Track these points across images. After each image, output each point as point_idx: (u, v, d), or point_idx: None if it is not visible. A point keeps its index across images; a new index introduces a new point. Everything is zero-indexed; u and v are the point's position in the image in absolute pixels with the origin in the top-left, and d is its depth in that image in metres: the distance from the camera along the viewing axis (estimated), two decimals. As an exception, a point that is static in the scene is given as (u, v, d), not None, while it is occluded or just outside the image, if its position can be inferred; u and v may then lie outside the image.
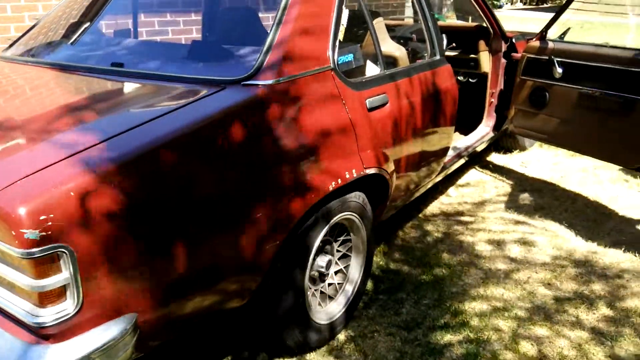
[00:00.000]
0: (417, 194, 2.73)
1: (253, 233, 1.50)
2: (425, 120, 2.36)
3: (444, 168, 2.94)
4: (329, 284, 2.09)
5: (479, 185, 3.55)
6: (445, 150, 2.68)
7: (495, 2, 16.00)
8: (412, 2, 2.53)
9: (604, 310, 2.24)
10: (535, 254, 2.67)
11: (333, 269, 2.09)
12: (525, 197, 3.32)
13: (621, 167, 3.51)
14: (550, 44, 3.17)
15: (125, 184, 1.24)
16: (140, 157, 1.27)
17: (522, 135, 3.47)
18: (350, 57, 2.03)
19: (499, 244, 2.78)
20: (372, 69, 2.14)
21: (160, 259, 1.33)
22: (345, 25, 1.96)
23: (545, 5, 17.09)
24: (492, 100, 3.56)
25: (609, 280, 2.44)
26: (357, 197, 1.99)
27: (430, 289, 2.40)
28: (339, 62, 1.98)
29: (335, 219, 1.88)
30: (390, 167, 2.15)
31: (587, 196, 3.32)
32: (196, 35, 3.86)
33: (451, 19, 6.81)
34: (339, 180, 1.79)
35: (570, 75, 3.04)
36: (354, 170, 1.87)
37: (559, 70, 3.06)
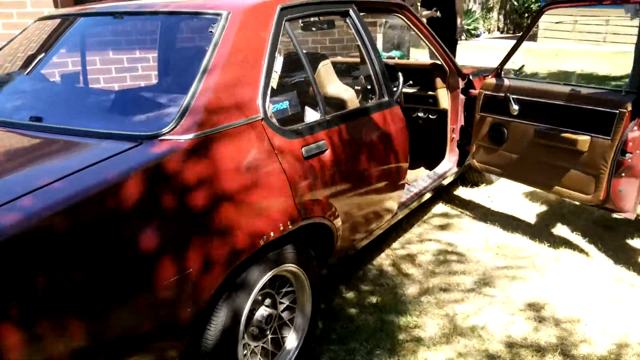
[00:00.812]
0: (372, 237, 2.67)
1: (166, 300, 1.42)
2: (371, 164, 2.32)
3: (402, 206, 2.89)
4: (273, 339, 2.00)
5: (443, 221, 3.50)
6: (398, 191, 2.63)
7: (472, 32, 16.30)
8: (358, 44, 2.52)
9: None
10: (494, 297, 2.60)
11: (276, 322, 2.01)
12: (489, 233, 3.27)
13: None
14: (506, 81, 3.17)
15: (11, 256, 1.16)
16: (32, 225, 1.20)
17: (484, 170, 3.44)
18: (285, 104, 2.00)
19: (458, 285, 2.71)
20: (311, 115, 2.10)
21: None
22: (278, 73, 1.93)
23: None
24: (454, 135, 3.55)
25: (562, 327, 2.37)
26: (296, 248, 1.92)
27: (384, 338, 2.32)
28: (273, 111, 1.95)
29: (270, 273, 1.81)
30: (334, 214, 2.09)
31: (552, 231, 3.28)
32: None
33: None
34: (272, 234, 1.73)
35: (525, 112, 3.04)
36: (289, 222, 1.81)
37: (515, 107, 3.05)
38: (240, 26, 1.83)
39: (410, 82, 3.49)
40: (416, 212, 3.50)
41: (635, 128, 2.58)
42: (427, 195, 3.29)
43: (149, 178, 1.40)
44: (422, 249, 3.12)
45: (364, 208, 2.34)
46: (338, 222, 2.13)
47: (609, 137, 2.62)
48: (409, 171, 3.78)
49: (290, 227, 1.81)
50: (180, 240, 1.44)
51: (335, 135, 2.11)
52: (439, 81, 3.40)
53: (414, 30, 3.07)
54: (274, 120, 1.96)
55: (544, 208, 3.60)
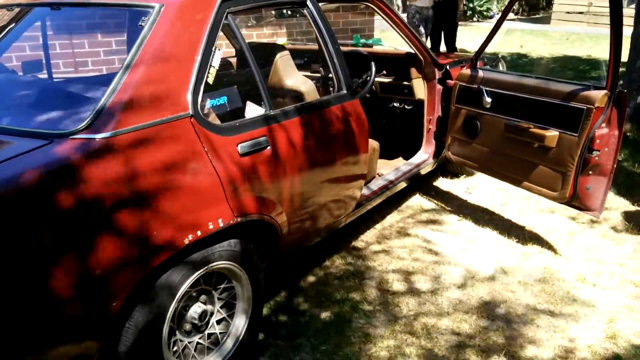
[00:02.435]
0: (332, 230, 2.64)
1: (69, 301, 1.42)
2: (321, 159, 2.28)
3: (366, 200, 2.85)
4: (210, 334, 2.00)
5: (416, 213, 3.45)
6: (355, 187, 2.59)
7: (484, 13, 15.93)
8: (315, 35, 2.46)
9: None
10: (452, 295, 2.57)
11: (215, 317, 2.00)
12: (460, 227, 3.22)
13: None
14: (480, 73, 3.09)
15: None
16: None
17: (459, 163, 3.38)
18: (222, 100, 1.96)
19: (417, 281, 2.68)
20: (254, 111, 2.06)
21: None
22: (216, 67, 1.89)
23: (537, 16, 16.99)
24: (430, 127, 3.48)
25: (513, 327, 2.33)
26: (231, 245, 1.91)
27: (332, 333, 2.31)
28: (209, 107, 1.91)
29: (200, 271, 1.80)
30: (277, 211, 2.06)
31: (524, 226, 3.22)
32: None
33: None
34: (198, 233, 1.71)
35: (498, 105, 2.96)
36: (220, 220, 1.79)
37: (488, 99, 2.98)
38: (172, 20, 1.78)
39: (384, 72, 3.41)
40: (390, 203, 3.46)
41: (603, 125, 2.49)
42: (401, 186, 3.24)
43: (50, 177, 1.39)
44: (389, 242, 3.09)
45: (314, 204, 2.31)
46: (282, 218, 2.10)
47: (576, 134, 2.54)
48: (385, 161, 3.77)
49: (221, 225, 1.79)
50: (83, 241, 1.43)
51: (279, 130, 2.07)
52: (414, 71, 3.32)
53: (385, 20, 2.98)
54: (210, 116, 1.93)
55: (521, 202, 3.53)
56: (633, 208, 3.40)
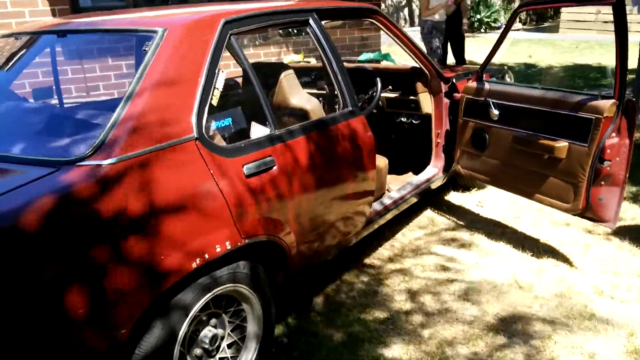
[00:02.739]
0: (342, 249, 2.61)
1: (81, 328, 1.41)
2: (329, 177, 2.27)
3: (377, 216, 2.83)
4: (222, 359, 1.98)
5: (428, 228, 3.41)
6: (363, 204, 2.57)
7: (492, 24, 15.94)
8: (319, 53, 2.46)
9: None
10: (467, 312, 2.52)
11: (226, 341, 1.98)
12: (473, 242, 3.18)
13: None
14: (487, 85, 3.07)
15: None
16: None
17: (468, 177, 3.35)
18: (227, 121, 1.97)
19: (432, 299, 2.63)
20: (259, 131, 2.06)
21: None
22: (220, 89, 1.90)
23: (544, 25, 16.95)
24: (439, 140, 3.46)
25: (530, 344, 2.28)
26: (240, 267, 1.89)
27: (345, 354, 2.27)
28: (214, 129, 1.92)
29: (209, 294, 1.79)
30: (285, 231, 2.05)
31: (538, 239, 3.17)
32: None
33: None
34: (206, 256, 1.70)
35: (505, 117, 2.94)
36: (227, 243, 1.78)
37: (495, 112, 2.96)
38: (176, 44, 1.80)
39: (390, 87, 3.41)
40: (401, 219, 3.43)
41: (614, 135, 2.46)
42: (411, 202, 3.22)
43: (57, 205, 1.39)
44: (401, 259, 3.05)
45: (322, 223, 2.29)
46: (290, 239, 2.08)
47: (586, 144, 2.50)
48: (395, 177, 3.75)
49: (229, 247, 1.78)
50: (91, 269, 1.43)
51: (285, 150, 2.06)
52: (420, 85, 3.31)
53: (389, 35, 2.99)
54: (216, 138, 1.93)
55: (534, 214, 3.48)
56: (650, 217, 3.33)
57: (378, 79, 3.22)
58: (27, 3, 4.50)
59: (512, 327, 2.38)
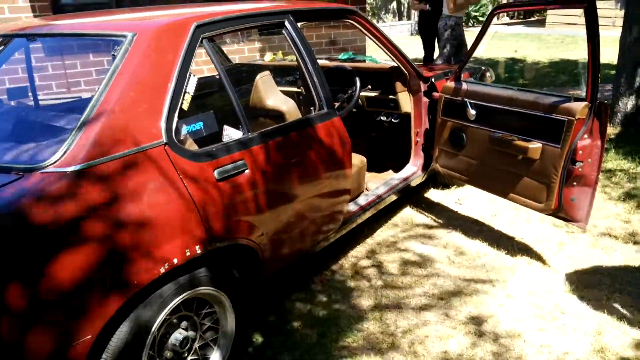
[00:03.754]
0: (318, 248, 2.63)
1: (39, 340, 1.42)
2: (302, 180, 2.28)
3: (354, 216, 2.85)
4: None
5: (406, 226, 3.45)
6: (339, 204, 2.59)
7: (480, 18, 15.97)
8: (295, 55, 2.47)
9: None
10: (439, 311, 2.56)
11: (197, 343, 2.00)
12: (450, 240, 3.21)
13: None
14: (464, 86, 3.09)
15: None
16: None
17: (447, 175, 3.38)
18: (198, 125, 1.97)
19: (406, 297, 2.67)
20: (232, 134, 2.07)
21: None
22: (191, 94, 1.90)
23: (531, 19, 17.02)
24: (418, 139, 3.48)
25: (500, 342, 2.32)
26: (210, 270, 1.91)
27: (318, 354, 2.30)
28: (185, 133, 1.92)
29: (178, 299, 1.80)
30: (256, 234, 2.06)
31: (514, 237, 3.21)
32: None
33: None
34: (175, 261, 1.72)
35: (482, 117, 2.97)
36: (197, 247, 1.79)
37: (472, 112, 2.98)
38: (145, 49, 1.80)
39: (369, 86, 3.42)
40: (380, 217, 3.46)
41: (585, 136, 2.49)
42: (390, 200, 3.24)
43: (19, 212, 1.39)
44: (379, 256, 3.08)
45: (297, 225, 2.31)
46: (263, 241, 2.10)
47: (559, 146, 2.53)
48: (374, 175, 3.77)
49: (199, 252, 1.80)
50: (54, 276, 1.43)
51: (258, 153, 2.07)
52: (399, 85, 3.33)
53: (367, 36, 2.99)
54: (187, 142, 1.93)
55: (511, 212, 3.52)
56: (623, 216, 3.39)
57: (357, 79, 3.23)
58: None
59: (482, 326, 2.42)
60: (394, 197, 3.29)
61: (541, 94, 2.68)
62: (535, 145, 2.62)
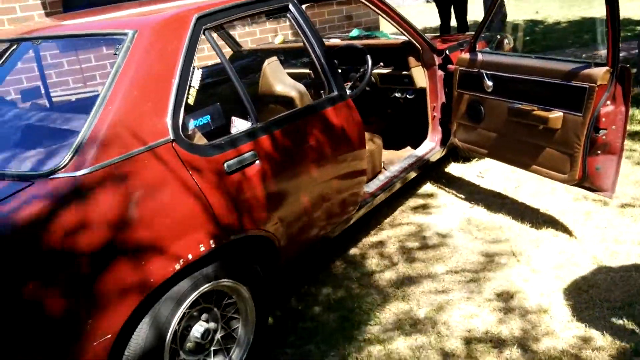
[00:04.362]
0: (338, 232, 2.62)
1: (65, 337, 1.45)
2: (316, 165, 2.26)
3: (372, 197, 2.82)
4: (216, 351, 2.02)
5: (426, 203, 3.40)
6: (355, 187, 2.56)
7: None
8: (301, 39, 2.41)
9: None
10: (463, 288, 2.53)
11: (219, 334, 2.02)
12: (472, 215, 3.16)
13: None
14: (480, 56, 3.00)
15: None
16: None
17: (466, 149, 3.31)
18: (205, 119, 1.95)
19: (429, 275, 2.64)
20: (240, 125, 2.05)
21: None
22: (196, 87, 1.88)
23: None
24: (435, 114, 3.40)
25: (526, 319, 2.28)
26: (228, 263, 1.91)
27: (340, 338, 2.30)
28: (193, 127, 1.91)
29: (197, 292, 1.81)
30: (271, 223, 2.06)
31: (538, 209, 3.13)
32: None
33: None
34: (190, 256, 1.72)
35: (499, 88, 2.87)
36: (211, 241, 1.80)
37: (489, 83, 2.89)
38: (146, 46, 1.78)
39: (382, 63, 3.34)
40: (400, 194, 3.41)
41: (608, 102, 2.38)
42: (409, 178, 3.20)
43: (32, 220, 1.41)
44: (399, 235, 3.05)
45: (312, 212, 2.29)
46: (278, 230, 2.09)
47: (580, 114, 2.44)
48: (393, 152, 3.72)
49: (213, 246, 1.80)
50: (72, 280, 1.46)
51: (268, 142, 2.05)
52: (412, 60, 3.24)
53: (377, 13, 2.91)
54: (196, 137, 1.92)
55: (535, 183, 3.43)
56: (653, 180, 3.27)
57: (368, 57, 3.15)
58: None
59: (508, 302, 2.39)
60: (413, 175, 3.24)
61: (560, 60, 2.57)
62: (556, 115, 2.53)
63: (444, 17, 7.06)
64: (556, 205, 3.13)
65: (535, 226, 2.93)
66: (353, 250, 2.95)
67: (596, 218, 2.94)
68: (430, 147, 3.42)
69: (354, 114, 2.47)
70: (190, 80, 1.87)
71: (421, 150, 3.38)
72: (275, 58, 2.50)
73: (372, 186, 2.90)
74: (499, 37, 3.99)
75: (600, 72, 2.33)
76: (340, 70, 3.37)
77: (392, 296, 2.53)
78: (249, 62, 3.00)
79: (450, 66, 3.26)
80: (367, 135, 3.12)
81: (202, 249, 1.76)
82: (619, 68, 2.32)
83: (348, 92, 3.24)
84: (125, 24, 1.89)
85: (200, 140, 1.94)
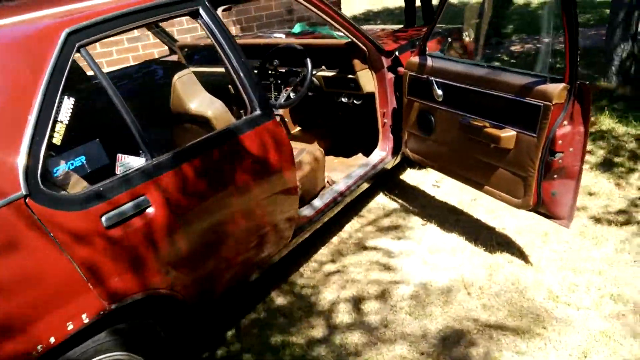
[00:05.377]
0: (261, 271, 2.30)
1: None
2: (230, 204, 1.93)
3: (310, 221, 2.52)
4: None
5: (377, 218, 3.11)
6: (286, 216, 2.25)
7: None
8: (215, 49, 2.06)
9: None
10: (407, 322, 2.26)
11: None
12: (424, 233, 2.88)
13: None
14: (429, 61, 2.68)
15: None
16: None
17: (417, 161, 3.01)
18: (80, 161, 1.61)
19: (367, 309, 2.36)
20: (129, 163, 1.70)
21: None
22: (65, 122, 1.53)
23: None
24: (385, 120, 3.09)
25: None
26: (113, 333, 1.60)
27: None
28: (59, 174, 1.56)
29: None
30: (171, 280, 1.74)
31: (494, 227, 2.87)
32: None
33: None
34: (52, 340, 1.40)
35: (450, 98, 2.57)
36: (84, 315, 1.47)
37: (439, 92, 2.59)
38: (-8, 74, 1.42)
39: (323, 66, 3.01)
40: (350, 206, 3.11)
41: (565, 123, 2.10)
42: (357, 192, 2.91)
43: None
44: (344, 259, 2.76)
45: (228, 256, 1.98)
46: (182, 285, 1.78)
47: (534, 134, 2.16)
48: (342, 160, 3.42)
49: (87, 321, 1.48)
50: None
51: (165, 182, 1.71)
52: (357, 63, 2.91)
53: (314, 12, 2.55)
54: (71, 184, 1.58)
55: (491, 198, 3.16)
56: (617, 192, 3.03)
57: (308, 60, 2.82)
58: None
59: (456, 345, 2.13)
60: (364, 187, 2.96)
61: (514, 72, 2.27)
62: (508, 134, 2.24)
63: (409, 14, 6.69)
64: (513, 223, 2.87)
65: (490, 249, 2.67)
66: (292, 277, 2.65)
67: (554, 240, 2.69)
68: (381, 156, 3.12)
69: (280, 137, 2.14)
70: (58, 114, 1.51)
71: (371, 160, 3.08)
72: (188, 71, 2.14)
73: (310, 209, 2.58)
74: (457, 29, 3.68)
75: (556, 90, 2.04)
76: (280, 72, 3.03)
77: (330, 335, 2.25)
78: (156, 75, 2.61)
79: (400, 69, 2.94)
80: (307, 149, 2.81)
81: (70, 326, 1.44)
82: (578, 85, 2.03)
83: (281, 101, 2.92)
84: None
85: (77, 186, 1.60)
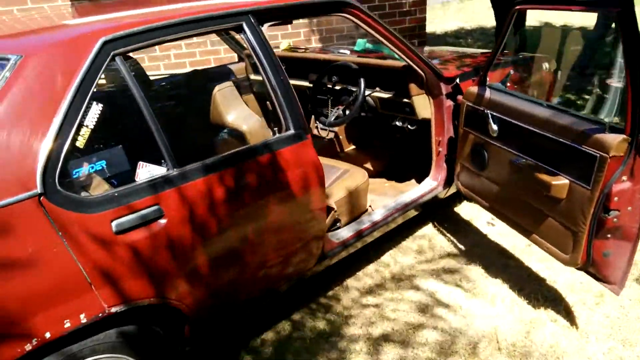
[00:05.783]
0: (279, 290, 2.26)
1: None
2: (249, 222, 1.91)
3: (342, 246, 2.45)
4: None
5: (421, 251, 2.97)
6: (311, 240, 2.20)
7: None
8: (256, 64, 2.06)
9: None
10: (423, 373, 2.13)
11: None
12: (467, 276, 2.70)
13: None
14: (487, 93, 2.52)
15: None
16: None
17: (467, 196, 2.84)
18: (100, 165, 1.66)
19: (395, 350, 2.25)
20: (150, 172, 1.73)
21: None
22: (90, 127, 1.59)
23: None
24: (440, 149, 2.95)
25: None
26: (112, 336, 1.63)
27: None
28: (77, 176, 1.62)
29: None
30: (178, 292, 1.75)
31: (544, 279, 2.64)
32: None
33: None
34: (47, 335, 1.45)
35: (505, 134, 2.40)
36: (82, 315, 1.52)
37: (494, 127, 2.43)
38: (28, 75, 1.50)
39: (377, 88, 2.92)
40: (395, 234, 3.00)
41: (624, 178, 1.88)
42: (403, 219, 2.81)
43: None
44: (381, 292, 2.63)
45: (244, 275, 1.96)
46: (189, 299, 1.78)
47: (588, 187, 1.94)
48: (393, 184, 3.31)
49: (85, 320, 1.52)
50: None
51: (182, 194, 1.73)
52: (413, 87, 2.79)
53: (368, 32, 2.49)
54: (92, 186, 1.64)
55: (550, 242, 2.91)
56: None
57: (362, 80, 2.77)
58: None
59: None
60: (410, 214, 2.84)
61: (573, 115, 2.07)
62: (560, 182, 2.05)
63: (501, 20, 6.37)
64: (566, 277, 2.62)
65: (533, 303, 2.45)
66: (320, 302, 2.59)
67: (609, 303, 2.42)
68: (432, 186, 2.98)
69: (312, 159, 2.10)
70: (84, 119, 1.58)
71: (420, 190, 2.95)
72: (229, 83, 2.17)
73: (344, 233, 2.52)
74: (536, 58, 3.44)
75: (615, 141, 1.82)
76: (336, 90, 2.99)
77: (339, 372, 2.17)
78: (198, 86, 2.66)
79: (459, 97, 2.80)
80: (351, 170, 2.75)
81: (67, 325, 1.49)
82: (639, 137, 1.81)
83: (331, 119, 2.88)
84: (13, 46, 1.62)
85: (99, 189, 1.66)
